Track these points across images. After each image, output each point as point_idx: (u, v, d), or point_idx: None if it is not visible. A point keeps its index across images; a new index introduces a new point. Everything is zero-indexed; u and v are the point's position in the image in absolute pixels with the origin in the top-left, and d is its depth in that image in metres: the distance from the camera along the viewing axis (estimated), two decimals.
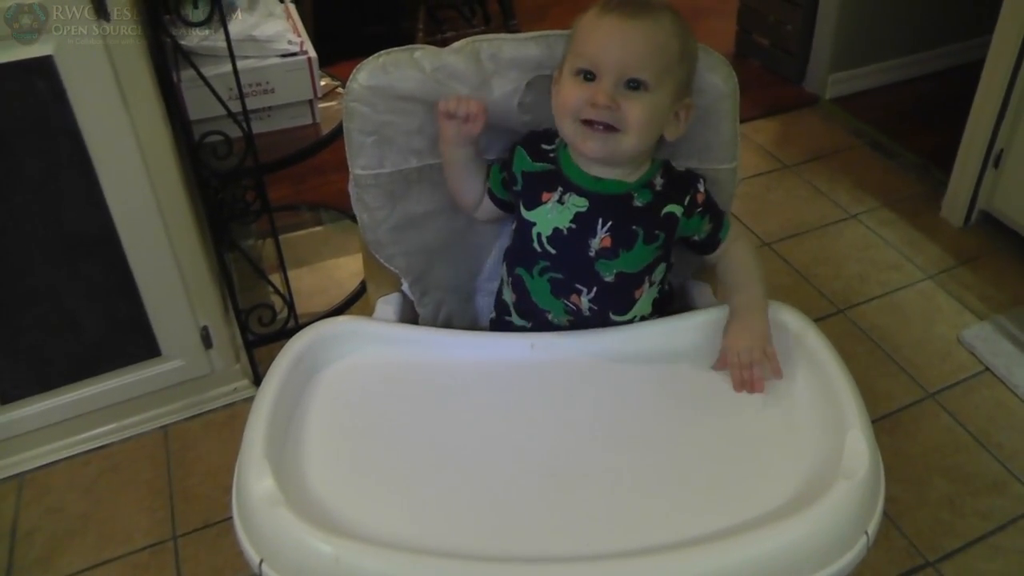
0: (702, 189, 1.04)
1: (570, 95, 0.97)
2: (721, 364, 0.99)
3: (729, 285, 1.07)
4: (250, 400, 1.71)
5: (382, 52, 1.04)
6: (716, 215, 1.07)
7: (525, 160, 1.06)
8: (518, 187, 1.06)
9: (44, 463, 1.62)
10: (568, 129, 0.99)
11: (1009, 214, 2.07)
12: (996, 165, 2.05)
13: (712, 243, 1.08)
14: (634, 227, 1.01)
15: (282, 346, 1.00)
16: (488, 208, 1.12)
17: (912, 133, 2.53)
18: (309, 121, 1.78)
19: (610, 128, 0.96)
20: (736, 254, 1.08)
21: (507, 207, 1.11)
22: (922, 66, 2.81)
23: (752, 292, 1.04)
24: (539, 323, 1.07)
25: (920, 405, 1.70)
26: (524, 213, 1.04)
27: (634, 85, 0.95)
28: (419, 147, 1.08)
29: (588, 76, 0.96)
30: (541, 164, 1.05)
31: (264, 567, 0.76)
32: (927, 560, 1.42)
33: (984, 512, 1.49)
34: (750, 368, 0.96)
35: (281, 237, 1.72)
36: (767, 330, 0.99)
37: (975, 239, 2.13)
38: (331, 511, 0.79)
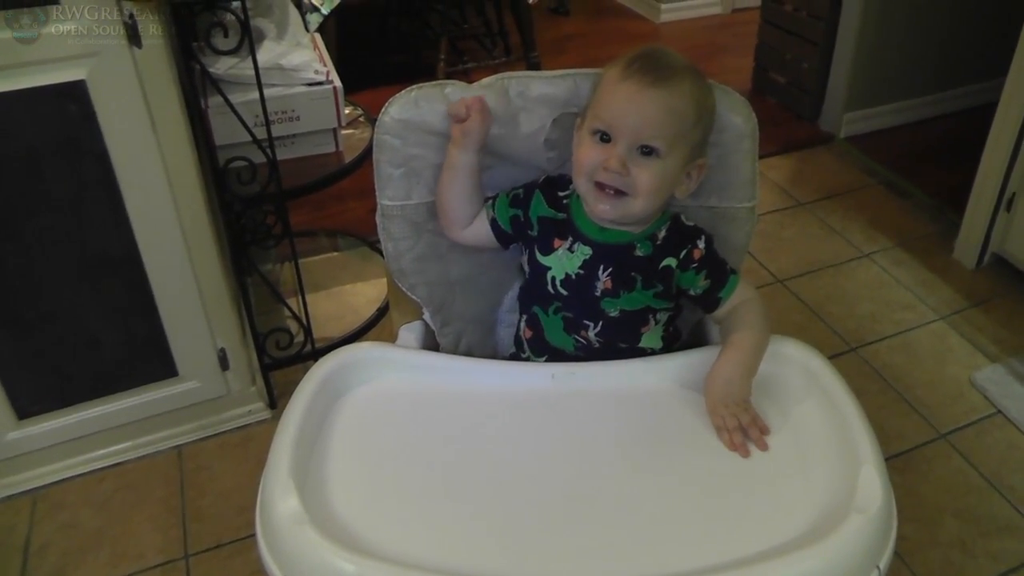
0: (701, 246, 1.05)
1: (586, 156, 1.00)
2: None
3: (724, 338, 1.04)
4: (265, 423, 1.74)
5: (414, 87, 1.07)
6: (716, 273, 1.05)
7: (542, 206, 1.09)
8: (534, 232, 1.09)
9: (59, 479, 1.63)
10: (582, 187, 1.03)
11: (1021, 258, 2.08)
12: (1008, 209, 2.06)
13: (711, 301, 1.06)
14: (633, 274, 1.04)
15: (298, 370, 1.02)
16: (480, 233, 1.11)
17: (926, 174, 2.54)
18: (332, 149, 1.81)
19: (620, 193, 0.99)
20: (740, 313, 1.05)
21: (506, 240, 1.12)
22: (936, 107, 2.83)
23: (742, 349, 1.00)
24: (553, 358, 1.10)
25: (932, 445, 1.70)
26: (539, 258, 1.08)
27: (647, 151, 0.98)
28: None
29: (604, 137, 0.99)
30: (554, 211, 1.08)
31: None
32: None
33: (995, 554, 1.49)
34: (740, 431, 0.94)
35: (299, 262, 1.74)
36: (747, 393, 0.97)
37: (987, 281, 2.14)
38: (354, 531, 0.80)
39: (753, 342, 1.01)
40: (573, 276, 1.05)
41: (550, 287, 1.07)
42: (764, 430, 0.95)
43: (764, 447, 0.93)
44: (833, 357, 1.91)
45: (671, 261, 1.04)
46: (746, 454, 0.92)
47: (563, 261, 1.06)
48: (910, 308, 2.06)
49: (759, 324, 1.03)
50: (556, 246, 1.07)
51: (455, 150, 1.06)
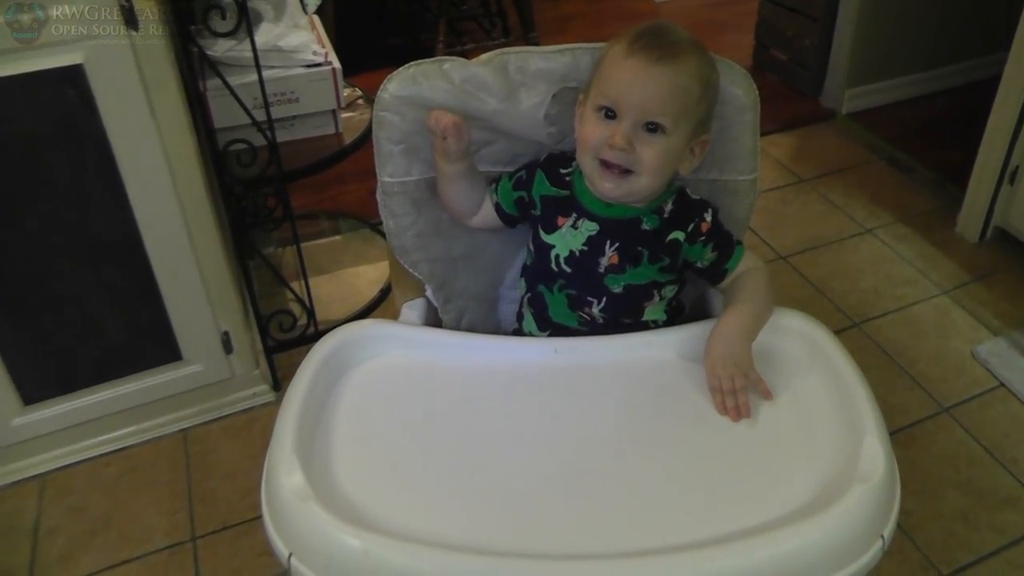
0: (708, 219, 1.06)
1: (591, 132, 1.00)
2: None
3: (726, 304, 1.05)
4: (269, 405, 1.75)
5: (412, 63, 1.07)
6: (723, 245, 1.06)
7: (544, 184, 1.09)
8: (537, 211, 1.09)
9: (66, 463, 1.64)
10: (587, 165, 1.03)
11: None
12: (1011, 182, 2.05)
13: (718, 273, 1.07)
14: (640, 248, 1.04)
15: (302, 352, 1.02)
16: (488, 218, 1.13)
17: (928, 149, 2.54)
18: (332, 131, 1.80)
19: (625, 172, 0.99)
20: (743, 280, 1.06)
21: (511, 221, 1.14)
22: (938, 82, 2.82)
23: (743, 313, 1.00)
24: (556, 335, 1.10)
25: (934, 419, 1.70)
26: (543, 236, 1.08)
27: (652, 128, 0.98)
28: None
29: (609, 114, 0.99)
30: (557, 189, 1.08)
31: (293, 561, 0.77)
32: (940, 573, 1.42)
33: (998, 527, 1.49)
34: (733, 395, 0.94)
35: (301, 244, 1.74)
36: (748, 356, 0.97)
37: (990, 255, 2.13)
38: (359, 507, 0.81)
39: (755, 308, 1.01)
40: (577, 253, 1.05)
41: (554, 265, 1.07)
42: (766, 394, 0.95)
43: (747, 414, 0.93)
44: (836, 332, 1.89)
45: (679, 234, 1.04)
46: (736, 418, 0.93)
47: (567, 238, 1.06)
48: (912, 283, 2.06)
49: (762, 292, 1.03)
50: (560, 224, 1.06)
51: (441, 162, 1.07)
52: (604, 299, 1.06)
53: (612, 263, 1.04)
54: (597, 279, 1.05)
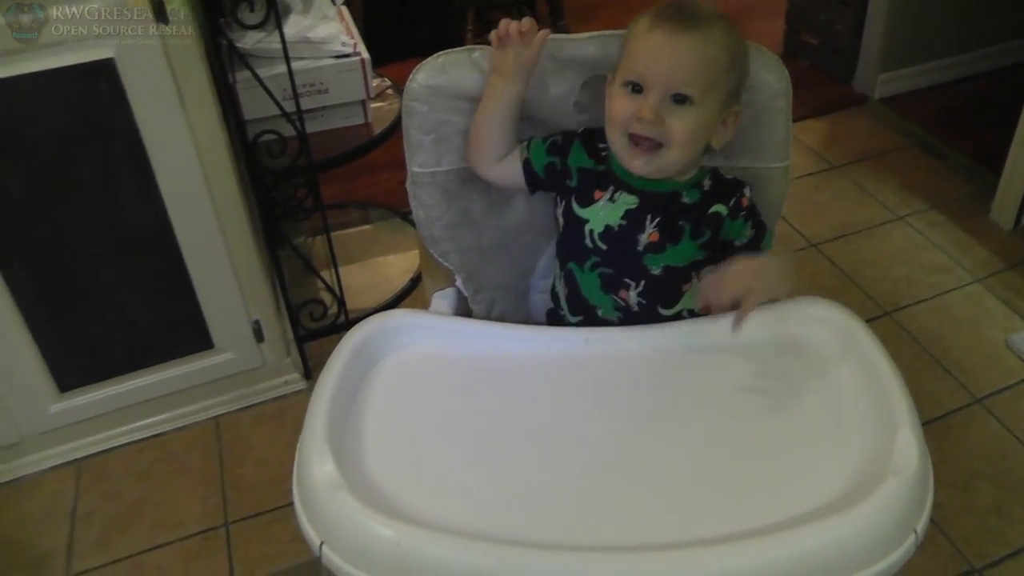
0: (747, 195, 1.05)
1: (619, 108, 0.99)
2: (703, 300, 0.98)
3: None
4: (300, 393, 1.76)
5: (441, 52, 1.06)
6: (759, 224, 1.06)
7: (582, 156, 1.07)
8: (572, 182, 1.07)
9: (101, 449, 1.67)
10: (616, 142, 1.01)
11: None
12: None
13: (755, 251, 1.06)
14: (681, 222, 1.03)
15: (332, 341, 1.03)
16: (511, 173, 1.09)
17: (962, 134, 2.49)
18: (361, 121, 1.81)
19: (655, 145, 0.98)
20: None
21: (536, 184, 1.10)
22: (972, 65, 2.77)
23: (763, 257, 1.02)
24: (589, 318, 1.09)
25: (967, 410, 1.68)
26: (576, 210, 1.06)
27: (680, 99, 0.97)
28: None
29: (636, 88, 0.98)
30: (594, 163, 1.07)
31: (325, 549, 0.78)
32: (973, 567, 1.41)
33: None
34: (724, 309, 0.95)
35: (331, 234, 1.75)
36: (778, 290, 0.97)
37: None
38: (390, 497, 0.81)
39: (777, 260, 1.02)
40: (615, 227, 1.03)
41: (588, 240, 1.05)
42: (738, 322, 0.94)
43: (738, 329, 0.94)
44: (868, 321, 1.86)
45: (721, 208, 1.04)
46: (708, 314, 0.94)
47: (603, 212, 1.04)
48: (945, 271, 2.03)
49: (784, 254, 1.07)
50: (597, 197, 1.05)
51: (501, 80, 1.03)
52: (642, 282, 1.04)
53: (652, 240, 1.02)
54: (636, 257, 1.03)
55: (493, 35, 1.01)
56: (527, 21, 1.00)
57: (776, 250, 1.04)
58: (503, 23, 1.01)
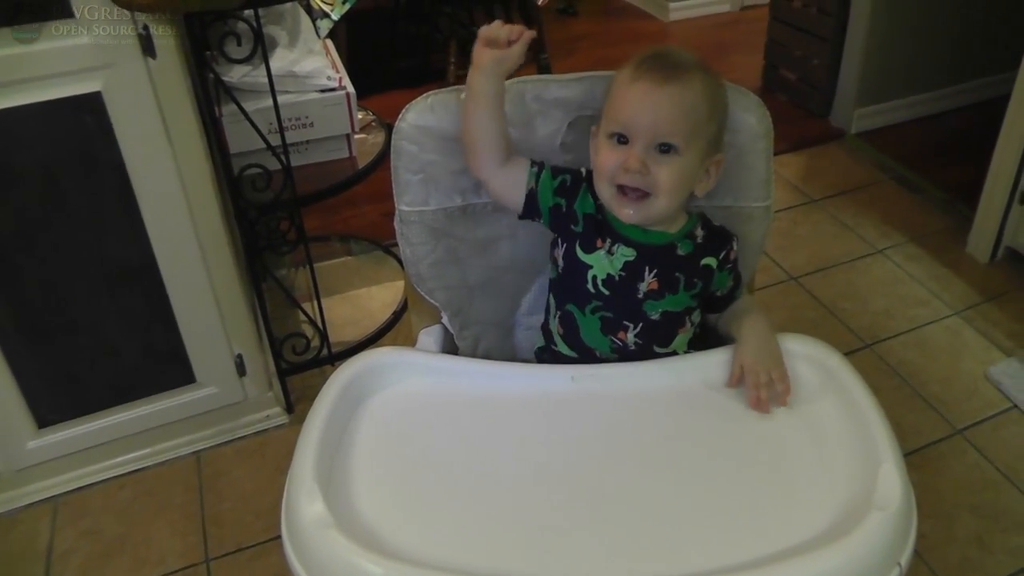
0: (735, 247, 1.08)
1: (606, 159, 1.01)
2: (735, 381, 1.01)
3: (733, 317, 1.10)
4: (282, 427, 1.75)
5: (430, 93, 1.08)
6: (738, 276, 1.11)
7: (589, 203, 1.07)
8: (578, 228, 1.07)
9: (80, 486, 1.65)
10: (605, 193, 1.03)
11: None
12: (1022, 202, 2.05)
13: (729, 300, 1.12)
14: (677, 274, 1.05)
15: (315, 375, 1.03)
16: (511, 191, 1.07)
17: (938, 168, 2.54)
18: (346, 154, 1.82)
19: (643, 195, 1.00)
20: (740, 303, 1.13)
21: (530, 214, 1.08)
22: (948, 101, 2.83)
23: (758, 319, 1.06)
24: (585, 358, 1.09)
25: (948, 441, 1.70)
26: (581, 255, 1.06)
27: (664, 148, 0.98)
28: (464, 186, 1.11)
29: (622, 140, 1.00)
30: (595, 211, 1.07)
31: None
32: None
33: (1013, 550, 1.48)
34: (770, 386, 0.98)
35: (314, 267, 1.75)
36: (779, 351, 1.02)
37: (1001, 275, 2.13)
38: (379, 534, 0.81)
39: (765, 318, 1.07)
40: (616, 277, 1.05)
41: (590, 286, 1.06)
42: (785, 394, 0.99)
43: (784, 402, 0.98)
44: (848, 354, 1.88)
45: (711, 261, 1.06)
46: (767, 410, 0.97)
47: (604, 262, 1.05)
48: (924, 304, 2.06)
49: (757, 308, 1.11)
50: (598, 246, 1.06)
51: (481, 78, 1.01)
52: (640, 325, 1.05)
53: (652, 288, 1.04)
54: (636, 304, 1.05)
55: (482, 32, 1.01)
56: (517, 29, 1.01)
57: (755, 315, 1.09)
58: (495, 24, 1.01)
